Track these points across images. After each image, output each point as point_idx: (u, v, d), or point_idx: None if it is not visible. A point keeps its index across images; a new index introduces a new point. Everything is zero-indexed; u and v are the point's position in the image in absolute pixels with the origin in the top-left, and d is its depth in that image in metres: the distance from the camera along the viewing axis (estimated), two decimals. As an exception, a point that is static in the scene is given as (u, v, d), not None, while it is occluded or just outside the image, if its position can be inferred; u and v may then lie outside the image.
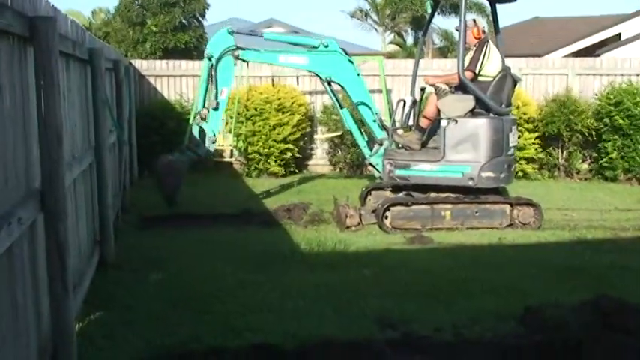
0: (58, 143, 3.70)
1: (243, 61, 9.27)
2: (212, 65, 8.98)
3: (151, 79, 13.77)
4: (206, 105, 9.10)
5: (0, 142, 3.00)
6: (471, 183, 8.66)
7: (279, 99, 12.86)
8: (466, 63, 8.61)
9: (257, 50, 9.19)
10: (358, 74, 9.26)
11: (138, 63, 13.98)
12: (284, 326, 5.05)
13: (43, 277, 3.72)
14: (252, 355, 4.55)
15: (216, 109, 9.06)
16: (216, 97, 9.03)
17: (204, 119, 9.06)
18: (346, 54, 9.20)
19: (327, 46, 9.07)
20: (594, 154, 13.27)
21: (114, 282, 6.10)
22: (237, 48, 9.01)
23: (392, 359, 4.54)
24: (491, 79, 8.69)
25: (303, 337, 4.85)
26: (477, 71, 8.65)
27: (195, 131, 9.16)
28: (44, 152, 3.66)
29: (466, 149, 8.61)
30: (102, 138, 6.48)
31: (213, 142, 9.23)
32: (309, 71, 9.92)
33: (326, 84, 9.28)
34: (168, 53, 18.40)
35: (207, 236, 8.05)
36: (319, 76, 9.33)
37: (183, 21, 19.60)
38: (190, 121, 9.52)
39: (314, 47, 9.12)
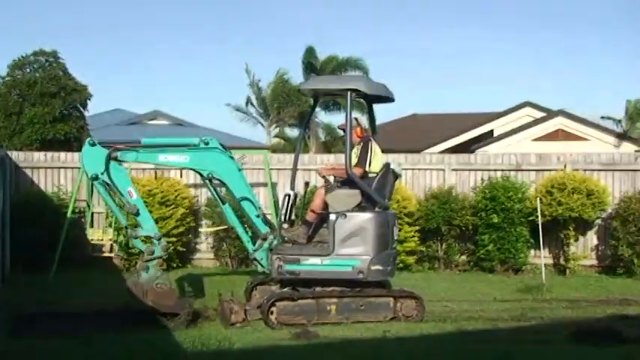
0: None
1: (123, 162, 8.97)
2: (104, 181, 8.64)
3: (28, 172, 13.31)
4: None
5: None
6: (361, 276, 8.73)
7: (163, 192, 12.68)
8: (353, 160, 8.86)
9: (136, 150, 8.92)
10: (239, 169, 9.21)
11: (15, 154, 13.49)
12: None
13: None
14: None
15: (137, 213, 8.73)
16: (129, 204, 8.71)
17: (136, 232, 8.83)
18: (226, 149, 9.12)
19: (207, 144, 8.94)
20: (472, 247, 13.75)
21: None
22: (115, 149, 8.67)
23: None
24: (375, 174, 8.96)
25: None
26: (365, 168, 8.93)
27: (138, 243, 8.87)
28: None
29: (355, 243, 8.71)
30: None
31: (159, 239, 8.76)
32: (191, 169, 9.84)
33: (207, 181, 9.15)
34: (47, 144, 17.80)
35: (84, 338, 7.62)
36: (200, 174, 9.25)
37: (64, 111, 19.03)
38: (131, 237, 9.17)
39: (194, 145, 8.98)
